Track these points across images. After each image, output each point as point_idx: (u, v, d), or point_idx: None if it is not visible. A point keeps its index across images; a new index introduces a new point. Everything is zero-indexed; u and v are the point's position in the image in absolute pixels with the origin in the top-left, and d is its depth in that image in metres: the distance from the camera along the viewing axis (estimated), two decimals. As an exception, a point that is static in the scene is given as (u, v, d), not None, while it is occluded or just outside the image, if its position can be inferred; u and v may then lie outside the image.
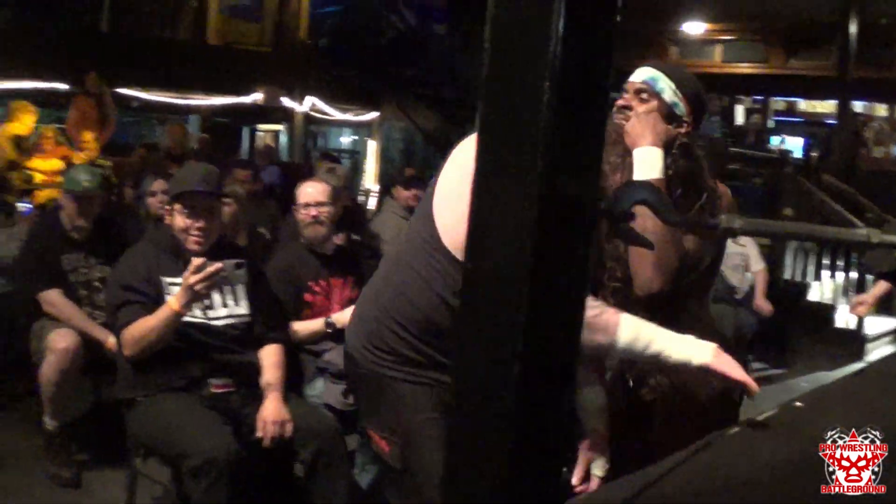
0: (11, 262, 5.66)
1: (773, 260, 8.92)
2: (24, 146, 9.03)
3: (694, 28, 19.56)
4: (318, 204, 4.74)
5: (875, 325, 8.57)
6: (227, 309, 4.05)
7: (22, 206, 6.85)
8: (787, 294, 9.01)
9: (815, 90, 19.07)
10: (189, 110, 15.07)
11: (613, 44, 1.02)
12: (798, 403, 2.01)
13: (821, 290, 9.59)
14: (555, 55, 0.96)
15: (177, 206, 4.01)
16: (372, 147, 17.55)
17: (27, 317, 5.17)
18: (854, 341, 8.35)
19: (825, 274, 9.75)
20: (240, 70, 14.36)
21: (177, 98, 13.91)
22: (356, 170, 17.43)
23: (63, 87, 11.95)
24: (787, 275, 9.49)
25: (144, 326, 3.77)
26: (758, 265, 8.06)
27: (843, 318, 8.80)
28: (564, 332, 1.09)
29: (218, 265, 3.65)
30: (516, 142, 1.02)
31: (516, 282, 1.02)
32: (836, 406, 2.10)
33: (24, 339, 5.18)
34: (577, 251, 1.06)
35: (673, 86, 2.67)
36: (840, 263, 9.74)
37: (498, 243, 1.05)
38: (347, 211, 6.07)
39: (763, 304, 7.93)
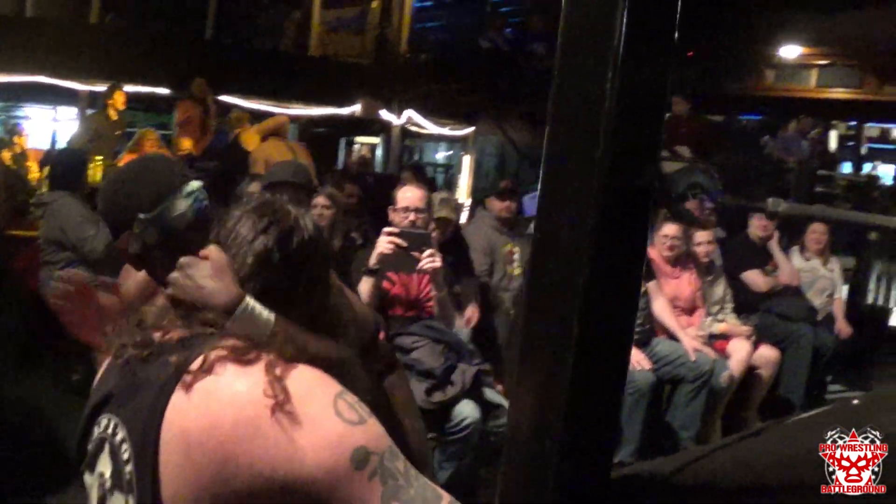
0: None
1: (857, 283, 8.94)
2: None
3: (789, 52, 19.13)
4: (417, 210, 4.93)
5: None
6: None
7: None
8: (871, 317, 8.98)
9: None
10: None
11: (674, 44, 1.13)
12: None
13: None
14: (617, 50, 1.07)
15: None
16: (466, 161, 17.68)
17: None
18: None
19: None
20: (340, 81, 14.50)
21: (277, 107, 14.11)
22: (450, 184, 17.54)
23: (164, 91, 12.29)
24: (870, 299, 9.42)
25: None
26: (838, 293, 8.11)
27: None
28: (620, 306, 1.21)
29: None
30: (581, 131, 1.12)
31: (576, 263, 1.13)
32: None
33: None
34: (635, 230, 1.19)
35: None
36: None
37: (564, 227, 1.16)
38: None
39: (843, 327, 7.95)
